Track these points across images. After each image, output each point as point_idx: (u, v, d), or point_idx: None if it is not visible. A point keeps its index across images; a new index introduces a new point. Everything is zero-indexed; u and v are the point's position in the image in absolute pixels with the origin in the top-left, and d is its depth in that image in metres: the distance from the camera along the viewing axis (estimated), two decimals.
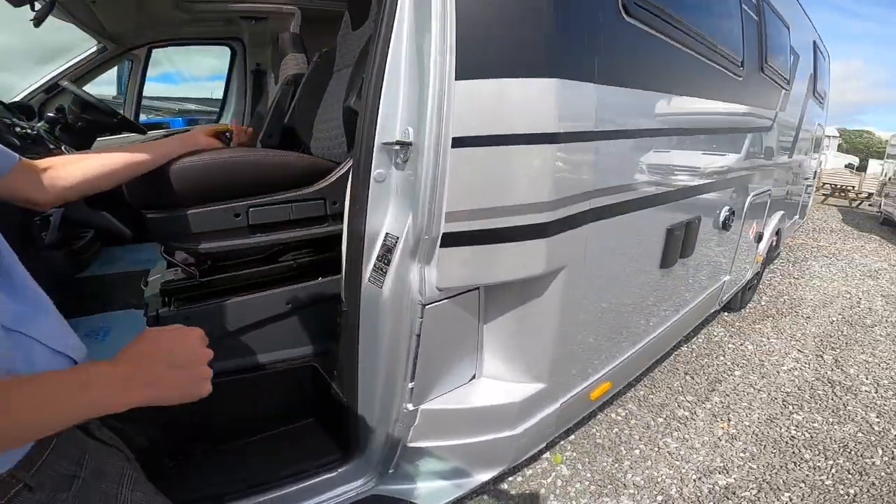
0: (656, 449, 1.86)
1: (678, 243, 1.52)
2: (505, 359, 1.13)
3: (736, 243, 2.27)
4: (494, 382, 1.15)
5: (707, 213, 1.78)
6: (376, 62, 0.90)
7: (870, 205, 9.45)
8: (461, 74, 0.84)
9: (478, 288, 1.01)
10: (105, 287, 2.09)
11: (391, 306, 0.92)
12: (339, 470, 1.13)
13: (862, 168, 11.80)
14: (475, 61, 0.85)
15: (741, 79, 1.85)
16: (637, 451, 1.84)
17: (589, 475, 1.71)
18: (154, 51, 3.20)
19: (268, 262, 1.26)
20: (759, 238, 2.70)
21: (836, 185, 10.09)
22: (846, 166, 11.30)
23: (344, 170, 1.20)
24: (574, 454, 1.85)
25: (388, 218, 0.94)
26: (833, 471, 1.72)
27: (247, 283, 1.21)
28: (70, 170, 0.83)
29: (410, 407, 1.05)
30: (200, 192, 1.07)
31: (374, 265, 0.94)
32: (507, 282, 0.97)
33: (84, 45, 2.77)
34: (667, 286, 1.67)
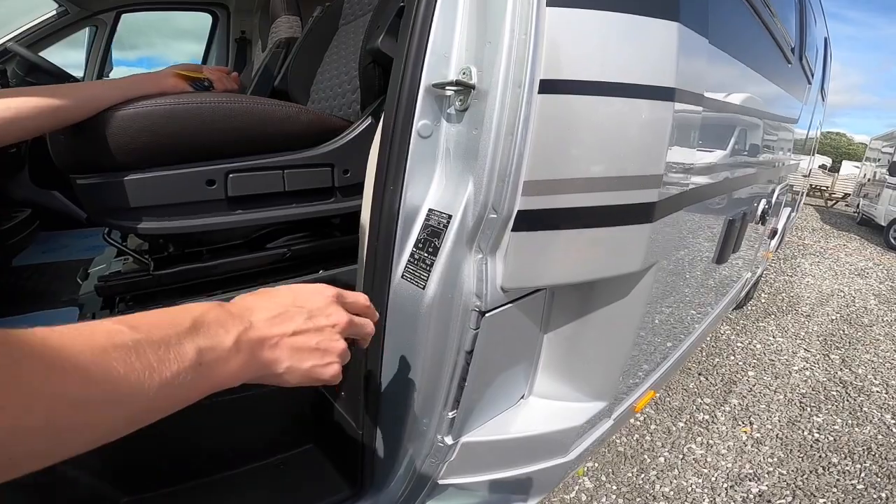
0: (681, 456, 1.75)
1: (734, 236, 1.33)
2: (564, 374, 0.90)
3: (761, 238, 2.15)
4: (548, 403, 0.92)
5: (753, 205, 1.61)
6: None
7: (846, 205, 9.86)
8: (553, 0, 0.59)
9: (545, 287, 0.76)
10: (42, 279, 1.70)
11: (436, 313, 0.66)
12: None
13: (834, 169, 12.33)
14: None
15: (791, 65, 1.69)
16: (662, 459, 1.73)
17: (615, 487, 1.58)
18: (124, 17, 2.75)
19: (252, 248, 0.96)
20: (774, 234, 2.59)
21: (811, 185, 10.47)
22: (819, 167, 11.74)
23: (361, 128, 0.92)
24: (596, 465, 1.71)
25: (434, 188, 0.67)
26: (862, 474, 1.67)
27: (222, 277, 0.92)
28: None
29: (448, 441, 0.80)
30: (158, 148, 0.76)
31: (412, 255, 0.68)
32: (591, 280, 0.73)
33: (41, 9, 2.32)
34: (714, 284, 1.49)
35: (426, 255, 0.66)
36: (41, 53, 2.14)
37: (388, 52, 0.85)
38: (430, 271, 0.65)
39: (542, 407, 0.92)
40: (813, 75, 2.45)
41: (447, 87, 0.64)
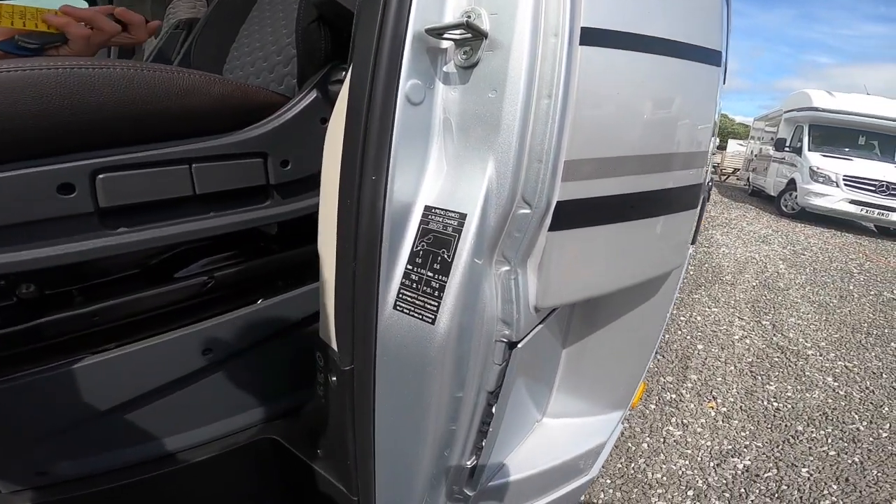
0: (662, 439, 1.75)
1: (703, 214, 1.30)
2: (583, 389, 0.76)
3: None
4: (567, 423, 0.78)
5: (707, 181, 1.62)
6: None
7: (737, 179, 11.33)
8: None
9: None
10: None
11: (451, 354, 0.47)
12: None
13: (722, 147, 14.12)
14: None
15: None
16: (645, 446, 1.71)
17: (609, 481, 1.53)
18: None
19: (154, 280, 0.68)
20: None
21: None
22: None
23: (304, 104, 0.68)
24: None
25: (430, 177, 0.47)
26: (829, 441, 1.75)
27: (111, 325, 0.62)
28: None
29: (468, 492, 0.62)
30: None
31: (407, 276, 0.47)
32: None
33: None
34: (686, 264, 1.47)
35: (430, 274, 0.46)
36: None
37: (345, 3, 0.63)
38: (440, 298, 0.45)
39: (561, 428, 0.78)
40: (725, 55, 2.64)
41: (447, 34, 0.44)
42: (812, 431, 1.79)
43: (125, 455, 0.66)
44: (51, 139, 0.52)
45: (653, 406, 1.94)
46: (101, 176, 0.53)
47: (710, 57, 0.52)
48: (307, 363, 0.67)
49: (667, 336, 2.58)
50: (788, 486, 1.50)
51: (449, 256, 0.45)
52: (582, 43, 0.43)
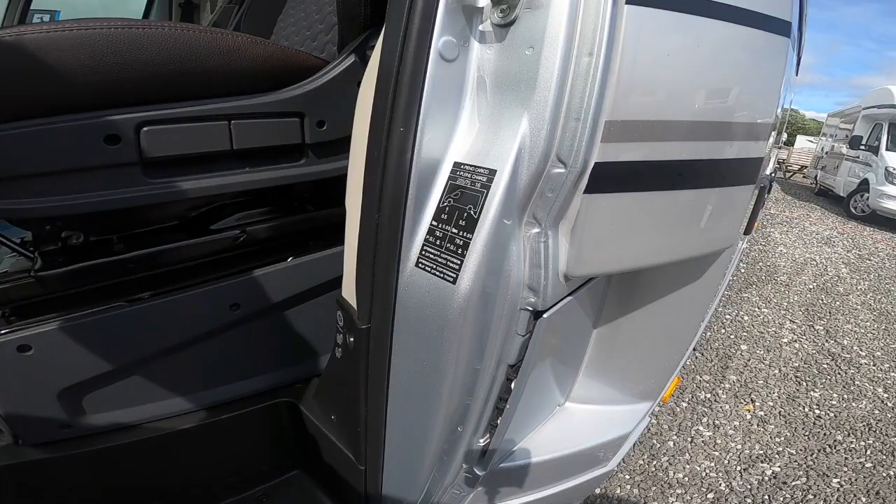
0: (690, 439, 1.67)
1: (762, 205, 1.20)
2: (612, 374, 0.73)
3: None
4: (590, 409, 0.75)
5: (769, 172, 1.49)
6: None
7: (803, 176, 10.51)
8: None
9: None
10: None
11: (472, 318, 0.45)
12: None
13: (789, 143, 13.01)
14: None
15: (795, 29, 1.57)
16: (671, 444, 1.64)
17: (628, 477, 1.48)
18: None
19: (190, 232, 0.71)
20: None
21: None
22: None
23: (342, 67, 0.68)
24: None
25: (461, 134, 0.46)
26: (868, 452, 1.64)
27: (148, 274, 0.66)
28: None
29: (478, 472, 0.61)
30: (23, 92, 0.50)
31: (431, 233, 0.46)
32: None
33: None
34: (731, 255, 1.37)
35: (454, 231, 0.44)
36: None
37: None
38: (462, 256, 0.43)
39: (583, 414, 0.75)
40: (800, 45, 2.39)
41: None
42: (851, 441, 1.67)
43: (145, 410, 0.69)
44: (102, 92, 0.55)
45: (685, 404, 1.86)
46: (145, 129, 0.55)
47: (774, 25, 0.46)
48: (331, 327, 0.68)
49: (708, 334, 2.44)
50: (815, 496, 1.41)
51: (475, 213, 0.43)
52: (628, 2, 0.39)
